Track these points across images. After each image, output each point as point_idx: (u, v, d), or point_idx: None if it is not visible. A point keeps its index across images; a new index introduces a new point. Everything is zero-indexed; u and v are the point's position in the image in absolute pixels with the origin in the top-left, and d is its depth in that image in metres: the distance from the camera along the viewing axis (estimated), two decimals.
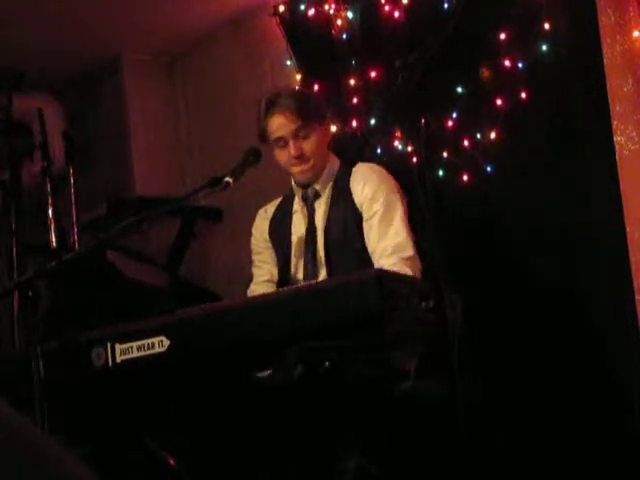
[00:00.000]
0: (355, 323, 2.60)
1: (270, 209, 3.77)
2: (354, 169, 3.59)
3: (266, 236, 3.71)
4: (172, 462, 3.13)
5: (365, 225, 3.47)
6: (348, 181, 3.56)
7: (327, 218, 3.57)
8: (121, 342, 2.91)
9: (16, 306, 3.67)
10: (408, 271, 3.29)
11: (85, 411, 3.11)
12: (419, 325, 2.70)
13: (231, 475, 3.11)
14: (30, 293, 3.64)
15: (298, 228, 3.64)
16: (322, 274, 3.51)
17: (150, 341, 2.85)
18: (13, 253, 3.73)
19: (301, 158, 3.50)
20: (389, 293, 2.55)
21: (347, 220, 3.52)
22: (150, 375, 2.96)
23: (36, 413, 2.87)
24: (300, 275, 3.58)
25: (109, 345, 2.93)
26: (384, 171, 3.59)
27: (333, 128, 4.27)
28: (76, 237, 4.56)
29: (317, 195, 3.61)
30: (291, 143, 3.49)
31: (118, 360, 2.91)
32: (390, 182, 3.55)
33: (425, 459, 3.18)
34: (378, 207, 3.46)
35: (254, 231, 3.76)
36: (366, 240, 3.46)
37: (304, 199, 3.64)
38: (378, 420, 3.04)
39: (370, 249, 3.45)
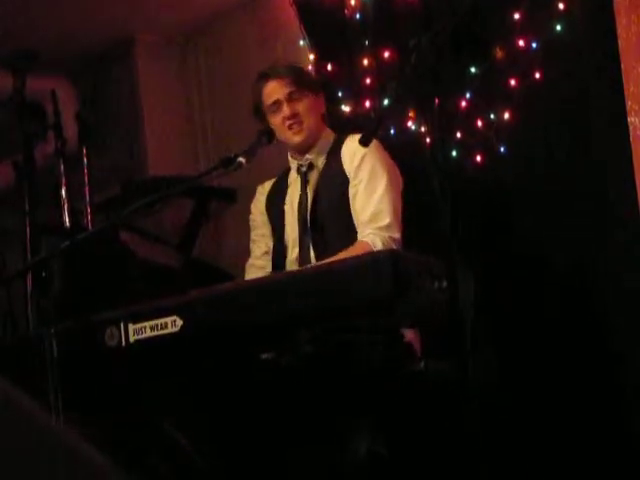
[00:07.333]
0: (368, 304, 2.61)
1: (267, 184, 3.82)
2: (347, 140, 3.60)
3: (263, 210, 3.76)
4: (185, 442, 3.14)
5: (350, 192, 3.48)
6: (340, 152, 3.57)
7: (318, 187, 3.59)
8: (134, 322, 2.92)
9: (30, 287, 3.67)
10: (378, 241, 3.31)
11: (98, 391, 3.12)
12: (432, 305, 2.70)
13: (242, 456, 3.12)
14: (44, 274, 3.65)
15: (292, 199, 3.67)
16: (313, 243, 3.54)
17: (163, 321, 2.86)
18: (27, 234, 3.74)
19: (295, 118, 3.55)
20: (402, 274, 2.56)
21: (336, 189, 3.53)
22: (163, 355, 2.97)
23: (50, 394, 2.88)
24: (295, 246, 3.59)
25: (122, 325, 2.94)
26: (376, 142, 3.58)
27: (346, 108, 4.29)
28: (89, 218, 4.56)
29: (311, 166, 3.64)
30: (285, 105, 3.55)
31: (131, 340, 2.93)
32: (379, 152, 3.54)
33: (436, 441, 3.19)
34: (364, 175, 3.47)
35: (252, 207, 3.82)
36: (351, 208, 3.47)
37: (298, 171, 3.67)
38: (389, 402, 3.04)
39: (354, 219, 3.46)
